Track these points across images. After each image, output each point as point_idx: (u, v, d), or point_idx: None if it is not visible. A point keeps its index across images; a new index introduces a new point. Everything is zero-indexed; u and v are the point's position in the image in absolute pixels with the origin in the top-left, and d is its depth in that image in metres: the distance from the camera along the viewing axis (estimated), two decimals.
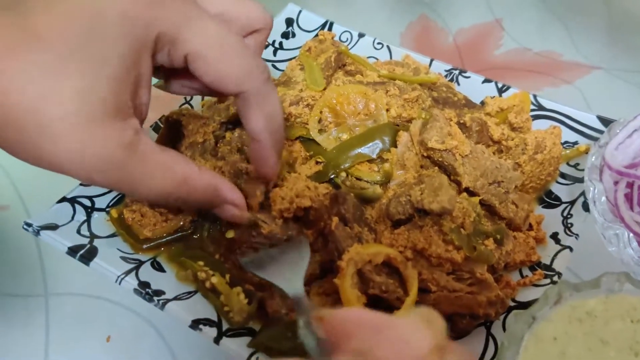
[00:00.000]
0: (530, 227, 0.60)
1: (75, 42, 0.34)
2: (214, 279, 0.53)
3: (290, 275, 0.47)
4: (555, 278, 0.55)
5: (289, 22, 0.82)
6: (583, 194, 0.62)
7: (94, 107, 0.34)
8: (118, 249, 0.57)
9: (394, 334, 0.30)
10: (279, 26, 0.81)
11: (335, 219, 0.52)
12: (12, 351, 0.61)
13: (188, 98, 0.72)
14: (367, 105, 0.63)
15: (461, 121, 0.62)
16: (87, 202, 0.60)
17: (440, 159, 0.57)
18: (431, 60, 0.76)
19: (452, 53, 0.95)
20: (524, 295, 0.55)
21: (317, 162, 0.62)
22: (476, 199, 0.56)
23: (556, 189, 0.65)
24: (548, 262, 0.57)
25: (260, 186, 0.53)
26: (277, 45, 0.81)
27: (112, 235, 0.58)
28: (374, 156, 0.60)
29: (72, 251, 0.55)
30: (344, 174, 0.60)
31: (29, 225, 0.55)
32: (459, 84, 0.75)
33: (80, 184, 0.60)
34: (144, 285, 0.53)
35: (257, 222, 0.52)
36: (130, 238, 0.58)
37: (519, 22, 1.01)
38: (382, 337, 0.30)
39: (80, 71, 0.34)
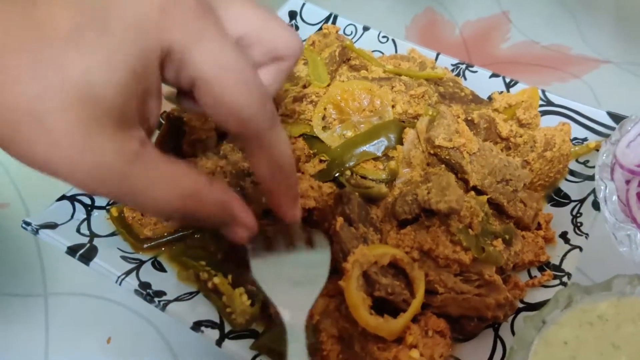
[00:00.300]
0: (539, 226, 0.59)
1: (82, 43, 0.31)
2: (216, 280, 0.52)
3: (299, 296, 0.42)
4: (565, 279, 0.54)
5: (292, 15, 0.80)
6: (593, 192, 0.61)
7: (96, 113, 0.32)
8: (118, 248, 0.56)
9: None
10: (282, 19, 0.79)
11: (340, 220, 0.51)
12: (12, 352, 0.60)
13: None
14: (372, 102, 0.62)
15: (469, 118, 0.61)
16: (87, 200, 0.59)
17: (447, 157, 0.56)
18: (437, 54, 0.75)
19: (458, 46, 0.94)
20: (533, 296, 0.54)
21: (321, 160, 0.60)
22: (484, 198, 0.55)
23: (565, 186, 0.64)
24: (557, 263, 0.56)
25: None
26: None
27: (112, 234, 0.57)
28: (380, 154, 0.59)
29: (72, 251, 0.54)
30: (348, 173, 0.59)
31: (28, 224, 0.54)
32: (465, 79, 0.74)
33: None
34: (145, 285, 0.52)
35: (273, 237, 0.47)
36: (131, 237, 0.57)
37: (526, 15, 1.00)
38: None
39: (84, 75, 0.31)
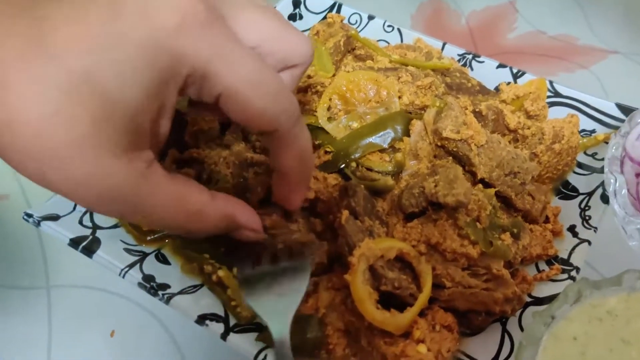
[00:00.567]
0: (547, 220, 0.58)
1: (93, 64, 0.30)
2: (221, 273, 0.52)
3: (282, 308, 0.45)
4: (573, 273, 0.53)
5: (296, 3, 0.79)
6: (601, 185, 0.60)
7: (105, 136, 0.31)
8: (121, 241, 0.56)
9: None
10: (286, 8, 0.78)
11: (346, 213, 0.50)
12: (14, 346, 0.59)
13: None
14: (378, 92, 0.61)
15: (477, 109, 0.60)
16: None
17: (454, 149, 0.55)
18: (444, 44, 0.74)
19: (464, 36, 0.92)
20: (541, 290, 0.53)
21: (326, 152, 0.60)
22: (492, 191, 0.54)
23: (573, 179, 0.63)
24: (565, 256, 0.55)
25: (264, 182, 0.51)
26: None
27: (115, 226, 0.57)
28: (386, 145, 0.58)
29: (74, 243, 0.53)
30: (354, 164, 0.58)
31: (30, 215, 0.54)
32: (472, 69, 0.73)
33: None
34: (149, 278, 0.52)
35: (273, 241, 0.49)
36: (134, 229, 0.57)
37: (533, 4, 0.98)
38: None
39: (94, 96, 0.30)
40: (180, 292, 0.51)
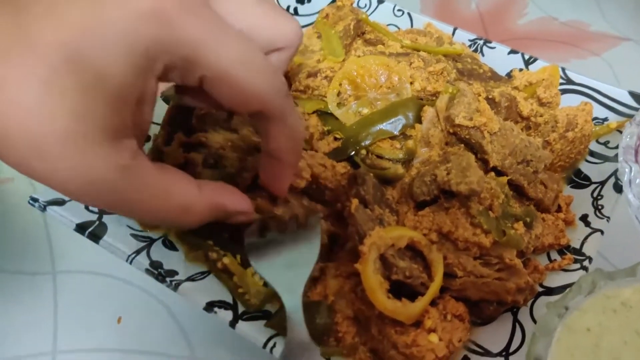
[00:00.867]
0: (559, 209, 0.58)
1: (74, 56, 0.30)
2: (226, 260, 0.51)
3: (293, 278, 0.44)
4: (586, 263, 0.53)
5: None
6: (614, 174, 0.59)
7: (88, 126, 0.31)
8: (128, 226, 0.55)
9: None
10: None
11: (355, 201, 0.49)
12: (19, 332, 0.59)
13: None
14: (389, 78, 0.60)
15: (490, 96, 0.59)
16: None
17: (467, 136, 0.54)
18: (454, 29, 0.73)
19: (474, 21, 0.91)
20: (552, 280, 0.53)
21: (335, 138, 0.59)
22: (504, 179, 0.53)
23: (585, 168, 0.62)
24: (578, 246, 0.55)
25: (251, 168, 0.51)
26: (291, 10, 0.77)
27: None
28: (397, 132, 0.57)
29: (81, 228, 0.52)
30: (364, 152, 0.57)
31: (35, 200, 0.53)
32: (483, 55, 0.72)
33: None
34: (156, 265, 0.51)
35: (266, 221, 0.49)
36: None
37: None
38: None
39: (75, 88, 0.30)
40: (188, 279, 0.51)
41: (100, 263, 0.63)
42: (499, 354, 0.48)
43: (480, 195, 0.49)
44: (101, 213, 0.55)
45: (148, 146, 0.62)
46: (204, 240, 0.53)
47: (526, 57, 0.70)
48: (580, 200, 0.59)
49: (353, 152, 0.57)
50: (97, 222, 0.53)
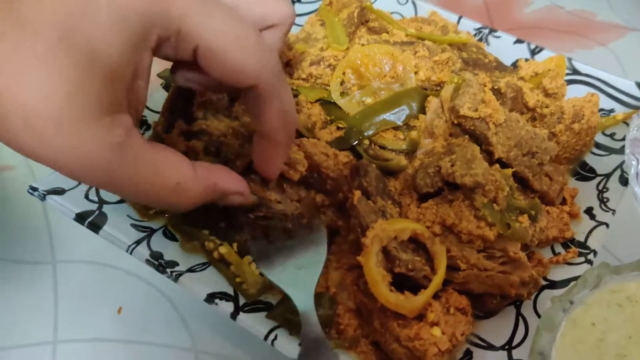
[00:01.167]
0: (564, 201, 0.57)
1: (67, 33, 0.31)
2: (223, 249, 0.51)
3: (303, 280, 0.45)
4: (590, 256, 0.52)
5: None
6: (620, 166, 0.59)
7: (83, 104, 0.31)
8: (128, 216, 0.54)
9: None
10: None
11: (357, 193, 0.49)
12: (20, 321, 0.59)
13: None
14: (394, 67, 0.59)
15: (495, 87, 0.58)
16: None
17: (472, 128, 0.54)
18: (459, 18, 0.72)
19: (479, 10, 0.90)
20: (556, 274, 0.52)
21: (338, 128, 0.58)
22: (509, 171, 0.53)
23: (591, 160, 0.62)
24: (582, 239, 0.54)
25: (244, 155, 0.51)
26: None
27: (122, 201, 0.55)
28: (400, 123, 0.57)
29: (80, 218, 0.52)
30: (367, 142, 0.56)
31: (35, 189, 0.53)
32: (488, 44, 0.71)
33: None
34: (156, 255, 0.51)
35: (263, 202, 0.49)
36: (137, 203, 0.55)
37: None
38: None
39: (70, 64, 0.31)
40: (189, 270, 0.50)
41: (100, 253, 0.63)
42: (502, 348, 0.47)
43: (485, 187, 0.49)
44: (101, 203, 0.54)
45: (148, 134, 0.61)
46: (199, 229, 0.53)
47: (532, 46, 0.69)
48: (586, 193, 0.58)
49: (356, 142, 0.56)
50: (97, 212, 0.53)
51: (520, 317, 0.49)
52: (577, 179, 0.61)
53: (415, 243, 0.49)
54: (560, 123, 0.58)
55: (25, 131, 0.31)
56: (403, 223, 0.48)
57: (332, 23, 0.64)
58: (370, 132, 0.56)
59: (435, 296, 0.47)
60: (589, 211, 0.56)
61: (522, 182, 0.55)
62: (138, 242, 0.51)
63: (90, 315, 0.59)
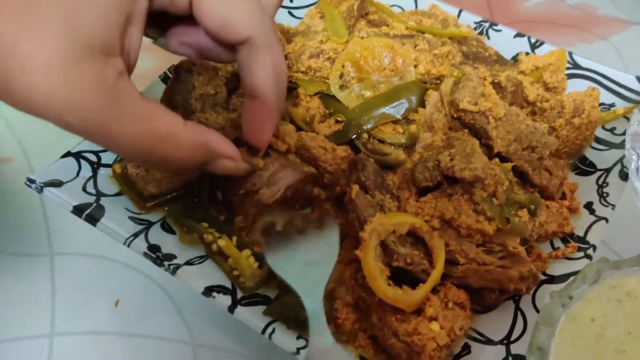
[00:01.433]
0: (564, 196, 0.57)
1: None
2: (221, 242, 0.51)
3: (314, 278, 0.44)
4: (590, 251, 0.52)
5: None
6: (620, 161, 0.58)
7: (74, 41, 0.31)
8: (126, 209, 0.54)
9: None
10: None
11: (356, 187, 0.49)
12: (17, 313, 0.59)
13: None
14: (393, 61, 0.59)
15: (495, 80, 0.58)
16: (93, 157, 0.57)
17: (471, 121, 0.53)
18: (459, 11, 0.71)
19: (480, 3, 0.89)
20: (555, 268, 0.52)
21: (337, 121, 0.58)
22: (509, 165, 0.53)
23: (590, 154, 0.62)
24: (582, 234, 0.54)
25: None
26: None
27: (119, 194, 0.55)
28: (399, 116, 0.56)
29: (78, 210, 0.52)
30: (365, 136, 0.56)
31: (32, 181, 0.52)
32: (489, 38, 0.71)
33: None
34: (154, 248, 0.51)
35: (255, 169, 0.48)
36: (135, 195, 0.55)
37: None
38: None
39: (63, 2, 0.31)
40: (187, 263, 0.50)
41: (98, 245, 0.62)
42: (500, 342, 0.47)
43: (484, 181, 0.48)
44: (98, 195, 0.54)
45: None
46: (198, 222, 0.52)
47: (532, 40, 0.69)
48: (585, 188, 0.58)
49: (354, 136, 0.56)
50: (95, 204, 0.53)
51: (519, 312, 0.49)
52: (576, 174, 0.60)
53: (414, 237, 0.48)
54: (561, 117, 0.58)
55: (11, 68, 0.30)
56: (401, 217, 0.48)
57: (332, 16, 0.63)
58: (370, 126, 0.56)
59: (434, 291, 0.47)
60: (589, 206, 0.56)
61: (521, 177, 0.55)
62: (136, 235, 0.51)
63: (87, 308, 0.59)
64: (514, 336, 0.48)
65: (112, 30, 0.33)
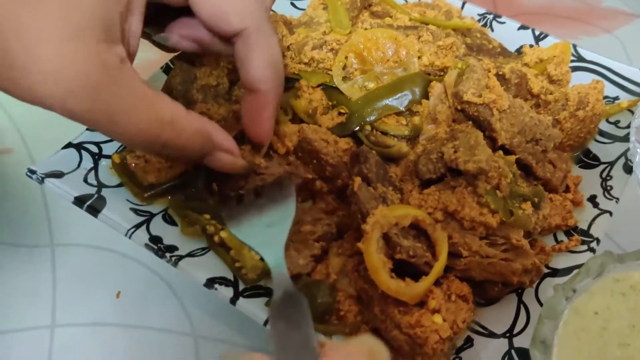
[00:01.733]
0: (567, 189, 0.56)
1: None
2: (223, 234, 0.50)
3: (272, 235, 0.45)
4: (593, 244, 0.52)
5: None
6: (624, 154, 0.58)
7: (77, 21, 0.31)
8: (127, 200, 0.54)
9: None
10: None
11: (358, 179, 0.48)
12: (18, 305, 0.58)
13: None
14: (397, 52, 0.58)
15: (500, 72, 0.57)
16: (94, 149, 0.56)
17: (475, 113, 0.53)
18: (463, 3, 0.71)
19: None
20: (558, 262, 0.52)
21: (340, 113, 0.57)
22: (512, 158, 0.52)
23: (594, 147, 0.61)
24: (585, 227, 0.54)
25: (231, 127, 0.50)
26: None
27: (121, 185, 0.55)
28: (403, 108, 0.56)
29: (79, 201, 0.51)
30: (368, 128, 0.55)
31: (33, 172, 0.52)
32: (492, 30, 0.70)
33: (87, 129, 0.56)
34: (156, 239, 0.50)
35: (254, 168, 0.49)
36: (135, 186, 0.54)
37: None
38: None
39: None
40: (189, 255, 0.50)
41: (99, 236, 0.62)
42: (503, 335, 0.47)
43: (488, 174, 0.48)
44: (100, 186, 0.54)
45: None
46: (200, 214, 0.52)
47: (536, 33, 0.68)
48: (589, 181, 0.58)
49: (357, 128, 0.56)
50: (96, 195, 0.53)
51: (522, 305, 0.49)
52: (580, 167, 0.60)
53: (417, 229, 0.48)
54: (565, 110, 0.58)
55: (14, 49, 0.30)
56: (404, 209, 0.48)
57: (335, 7, 0.63)
58: (373, 118, 0.56)
59: (437, 283, 0.47)
60: (593, 199, 0.56)
61: (525, 169, 0.54)
62: (137, 226, 0.51)
63: (88, 299, 0.59)
64: (516, 329, 0.47)
65: (113, 13, 0.33)
